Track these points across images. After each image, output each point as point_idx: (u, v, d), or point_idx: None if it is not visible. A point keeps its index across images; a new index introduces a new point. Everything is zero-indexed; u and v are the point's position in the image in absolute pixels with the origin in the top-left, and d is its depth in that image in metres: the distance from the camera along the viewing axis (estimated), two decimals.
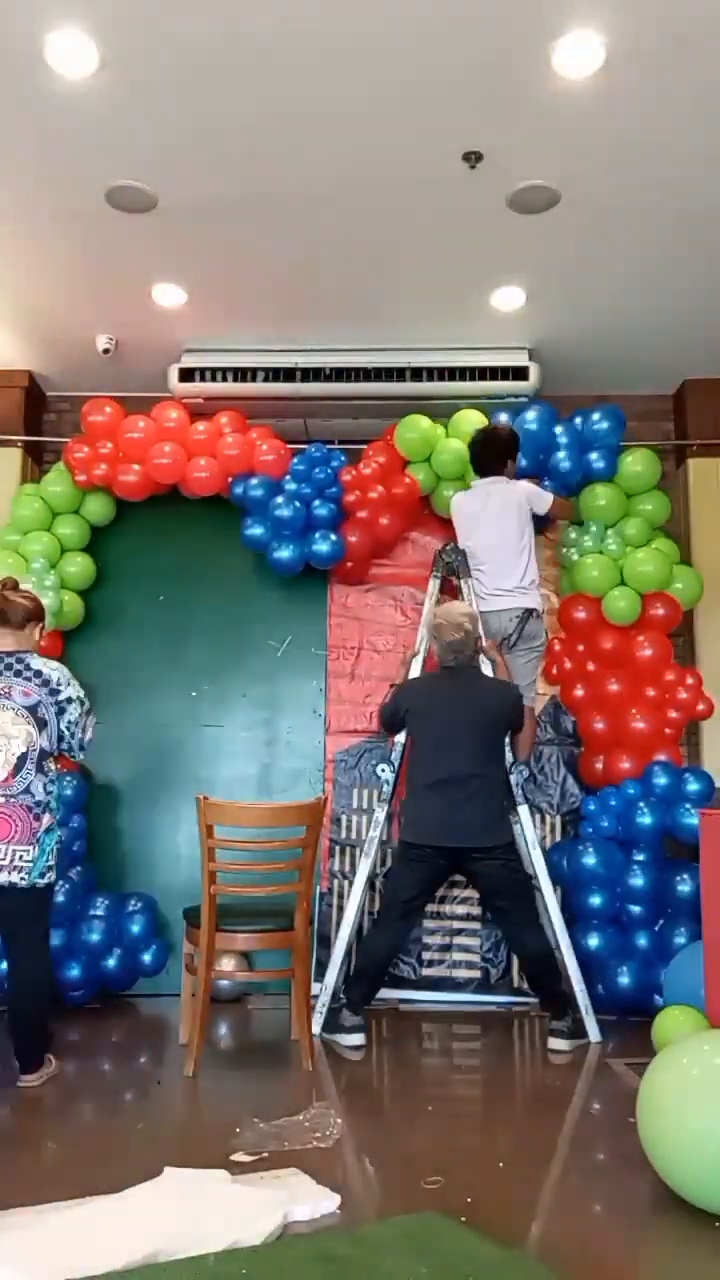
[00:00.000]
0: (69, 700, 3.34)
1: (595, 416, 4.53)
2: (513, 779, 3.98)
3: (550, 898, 3.94)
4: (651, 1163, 2.32)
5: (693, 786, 4.05)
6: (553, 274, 4.11)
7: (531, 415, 4.52)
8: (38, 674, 3.32)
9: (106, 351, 4.65)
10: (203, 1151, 2.61)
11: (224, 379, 4.67)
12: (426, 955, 4.42)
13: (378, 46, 2.88)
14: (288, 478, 4.54)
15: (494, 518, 4.30)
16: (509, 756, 3.98)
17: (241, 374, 4.67)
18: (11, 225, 3.79)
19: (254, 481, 4.58)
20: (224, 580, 4.95)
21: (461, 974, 4.41)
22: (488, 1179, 2.51)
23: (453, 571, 4.38)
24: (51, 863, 3.29)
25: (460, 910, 4.51)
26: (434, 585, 4.45)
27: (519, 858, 3.88)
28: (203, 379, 4.67)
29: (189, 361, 4.70)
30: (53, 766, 3.33)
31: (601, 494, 4.56)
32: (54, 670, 3.36)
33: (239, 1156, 2.55)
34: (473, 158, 3.36)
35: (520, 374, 4.60)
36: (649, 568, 4.41)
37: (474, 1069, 3.51)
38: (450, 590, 4.47)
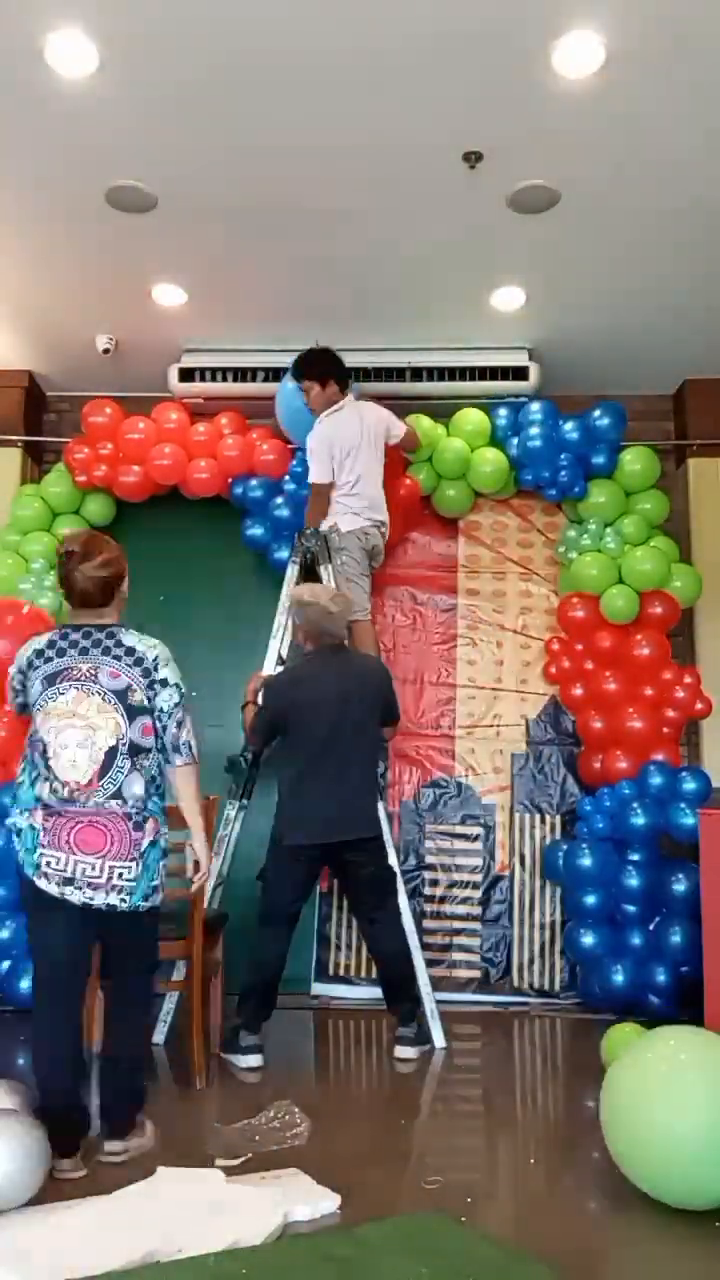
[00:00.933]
0: (164, 683, 2.60)
1: (596, 413, 4.53)
2: (379, 769, 3.86)
3: (403, 896, 3.77)
4: (615, 1160, 2.32)
5: (688, 786, 4.05)
6: (553, 274, 4.11)
7: (534, 409, 4.52)
8: (129, 651, 2.59)
9: (106, 351, 4.65)
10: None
11: (224, 379, 4.68)
12: (427, 955, 4.41)
13: (378, 46, 2.88)
14: (287, 478, 4.55)
15: (370, 441, 4.20)
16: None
17: (241, 374, 4.68)
18: (11, 225, 3.79)
19: (254, 482, 4.58)
20: (224, 580, 4.94)
21: (461, 974, 4.42)
22: (488, 1179, 2.51)
23: (313, 558, 4.11)
24: (159, 881, 2.61)
25: (460, 910, 4.51)
26: (293, 571, 4.20)
27: (386, 852, 3.73)
28: (203, 379, 4.68)
29: (189, 361, 4.70)
30: (148, 764, 2.60)
31: (600, 492, 4.57)
32: (151, 647, 2.62)
33: (221, 1162, 2.50)
34: (473, 158, 3.36)
35: (520, 374, 4.61)
36: (647, 566, 4.41)
37: (473, 1068, 3.51)
38: (315, 579, 4.12)
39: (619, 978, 3.93)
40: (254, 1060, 3.39)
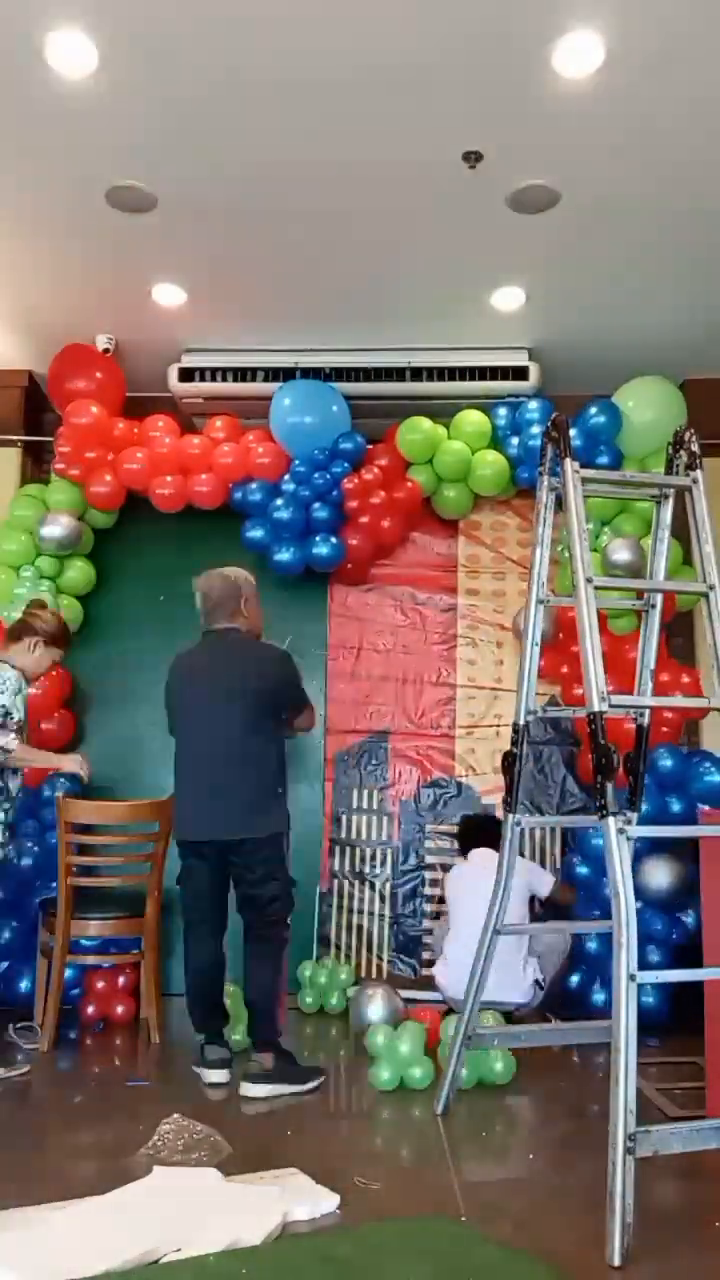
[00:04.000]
0: None
1: (592, 410, 4.52)
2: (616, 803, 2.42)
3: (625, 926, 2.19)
4: None
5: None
6: (553, 274, 4.11)
7: (533, 407, 4.52)
8: None
9: (106, 351, 4.65)
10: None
11: (224, 379, 4.67)
12: (426, 955, 4.42)
13: (378, 47, 2.88)
14: (286, 478, 4.55)
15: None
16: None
17: (241, 374, 4.67)
18: (11, 225, 3.79)
19: (252, 486, 4.59)
20: None
21: None
22: (488, 1179, 2.51)
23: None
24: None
25: None
26: (548, 499, 3.12)
27: (282, 862, 3.34)
28: (203, 379, 4.68)
29: (189, 361, 4.70)
30: None
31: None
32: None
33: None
34: (473, 158, 3.36)
35: (520, 374, 4.60)
36: None
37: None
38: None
39: None
40: (215, 1075, 3.21)
